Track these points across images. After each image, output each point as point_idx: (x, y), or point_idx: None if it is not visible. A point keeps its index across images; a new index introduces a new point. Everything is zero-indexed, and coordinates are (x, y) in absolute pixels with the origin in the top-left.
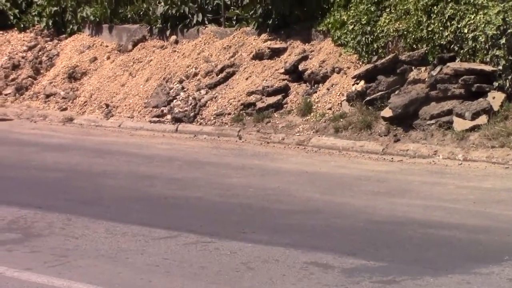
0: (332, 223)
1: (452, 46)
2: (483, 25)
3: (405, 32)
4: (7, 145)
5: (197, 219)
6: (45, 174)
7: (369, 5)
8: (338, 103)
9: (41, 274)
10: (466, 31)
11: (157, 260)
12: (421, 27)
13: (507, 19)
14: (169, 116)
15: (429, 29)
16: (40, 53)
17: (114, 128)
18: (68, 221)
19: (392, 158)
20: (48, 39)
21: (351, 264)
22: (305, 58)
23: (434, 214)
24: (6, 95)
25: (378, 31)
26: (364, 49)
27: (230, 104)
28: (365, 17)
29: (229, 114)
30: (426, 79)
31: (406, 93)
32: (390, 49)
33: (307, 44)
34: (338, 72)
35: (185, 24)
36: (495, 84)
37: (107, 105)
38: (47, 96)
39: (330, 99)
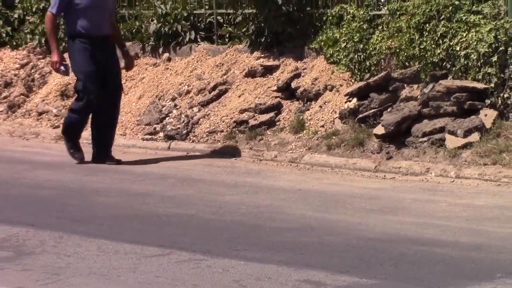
0: (324, 241)
1: (444, 64)
2: (475, 43)
3: (398, 50)
4: None
5: (189, 236)
6: (37, 192)
7: (362, 23)
8: (331, 121)
9: None
10: (458, 48)
11: (149, 278)
12: (413, 45)
13: (499, 37)
14: (161, 134)
15: (422, 46)
16: (32, 70)
17: None
18: (60, 239)
19: (384, 176)
20: (41, 56)
21: (344, 281)
22: (297, 75)
23: (426, 232)
24: None
25: (371, 48)
26: (356, 66)
27: (223, 121)
28: (358, 35)
29: (222, 131)
30: (419, 97)
31: (399, 110)
32: (382, 67)
33: (299, 61)
34: (331, 90)
35: (178, 42)
36: (487, 101)
37: None
38: (40, 113)
39: (322, 117)
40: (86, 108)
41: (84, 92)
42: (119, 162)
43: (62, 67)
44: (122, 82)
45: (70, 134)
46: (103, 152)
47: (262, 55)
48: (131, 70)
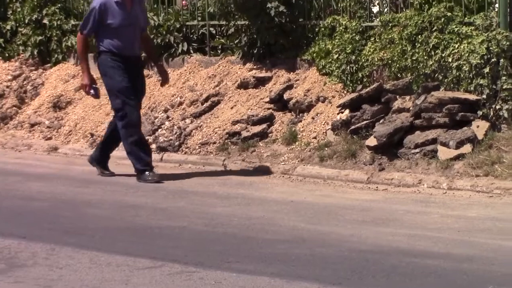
0: (317, 252)
1: (436, 75)
2: (467, 54)
3: (390, 61)
4: None
5: (181, 248)
6: (29, 204)
7: (354, 35)
8: (323, 132)
9: None
10: (450, 60)
11: None
12: (405, 56)
13: (491, 48)
14: (154, 145)
15: (414, 58)
16: (25, 82)
17: None
18: (52, 251)
19: (377, 187)
20: (33, 68)
21: None
22: (290, 87)
23: (418, 243)
24: None
25: (363, 60)
26: (348, 78)
27: (215, 133)
28: (350, 46)
29: (214, 143)
30: (411, 108)
31: (391, 122)
32: (374, 78)
33: (292, 73)
34: (323, 101)
35: (170, 53)
36: (479, 113)
37: (92, 134)
38: (32, 125)
39: (315, 128)
40: (133, 121)
41: (124, 107)
42: (112, 174)
43: (92, 91)
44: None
45: (135, 151)
46: (101, 162)
47: (255, 67)
48: (167, 85)
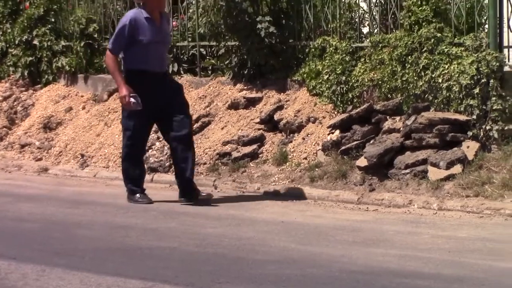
0: (307, 273)
1: (426, 96)
2: (457, 75)
3: (380, 82)
4: None
5: (172, 269)
6: (19, 225)
7: (344, 55)
8: (314, 153)
9: None
10: (440, 80)
11: None
12: (395, 77)
13: (480, 69)
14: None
15: (404, 79)
16: (15, 103)
17: (90, 178)
18: (42, 272)
19: (367, 208)
20: (23, 89)
21: None
22: (280, 107)
23: (409, 264)
24: None
25: (353, 80)
26: (339, 98)
27: (206, 153)
28: (340, 67)
29: (205, 163)
30: (401, 129)
31: (381, 142)
32: (365, 99)
33: (282, 93)
34: (314, 122)
35: None
36: (469, 133)
37: (82, 155)
38: (22, 146)
39: (305, 149)
40: (136, 143)
41: (134, 130)
42: (209, 195)
43: (132, 99)
44: (106, 114)
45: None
46: (186, 190)
47: (245, 87)
48: None
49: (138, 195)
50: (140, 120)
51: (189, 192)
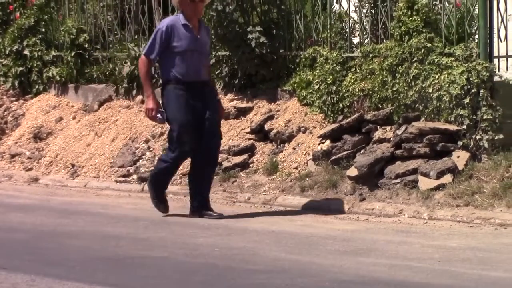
0: (297, 283)
1: (417, 106)
2: (447, 85)
3: (370, 92)
4: None
5: (163, 279)
6: (10, 235)
7: (335, 65)
8: (304, 162)
9: None
10: (430, 90)
11: None
12: (386, 86)
13: (471, 79)
14: (135, 176)
15: (394, 89)
16: (5, 113)
17: (80, 188)
18: (32, 282)
19: (358, 217)
20: (14, 99)
21: None
22: (271, 117)
23: (399, 274)
24: None
25: (344, 90)
26: (329, 108)
27: None
28: (331, 77)
29: None
30: (391, 138)
31: (372, 152)
32: (355, 109)
33: (273, 103)
34: (304, 132)
35: (152, 84)
36: (460, 143)
37: (73, 165)
38: (12, 156)
39: (296, 159)
40: (178, 160)
41: (178, 143)
42: (220, 216)
43: (158, 115)
44: (96, 124)
45: (157, 184)
46: (200, 206)
47: (236, 97)
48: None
49: (156, 200)
50: (188, 132)
51: (200, 209)
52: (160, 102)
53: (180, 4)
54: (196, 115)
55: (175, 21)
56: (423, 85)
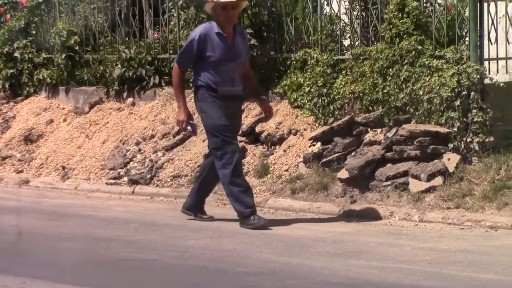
0: (288, 285)
1: (407, 108)
2: (438, 88)
3: (361, 94)
4: None
5: (153, 281)
6: (0, 237)
7: (325, 68)
8: (295, 165)
9: None
10: (421, 93)
11: None
12: (376, 89)
13: (461, 81)
14: (125, 178)
15: (385, 91)
16: None
17: (71, 191)
18: (23, 284)
19: (348, 220)
20: (4, 101)
21: None
22: (262, 120)
23: (390, 276)
24: None
25: (334, 93)
26: (320, 111)
27: (187, 166)
28: (321, 79)
29: (186, 176)
30: (382, 141)
31: (362, 154)
32: (346, 111)
33: None
34: (295, 134)
35: (142, 86)
36: (450, 145)
37: (64, 167)
38: (3, 158)
39: (286, 161)
40: (233, 158)
41: (224, 146)
42: (211, 218)
43: (189, 127)
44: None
45: (237, 193)
46: (198, 206)
47: None
48: (270, 119)
49: (252, 217)
50: (227, 135)
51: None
52: (194, 107)
53: (212, 13)
54: (229, 121)
55: (209, 30)
56: (414, 88)
